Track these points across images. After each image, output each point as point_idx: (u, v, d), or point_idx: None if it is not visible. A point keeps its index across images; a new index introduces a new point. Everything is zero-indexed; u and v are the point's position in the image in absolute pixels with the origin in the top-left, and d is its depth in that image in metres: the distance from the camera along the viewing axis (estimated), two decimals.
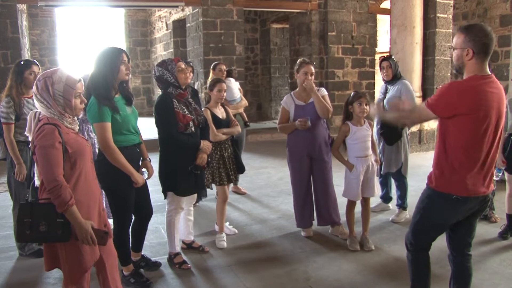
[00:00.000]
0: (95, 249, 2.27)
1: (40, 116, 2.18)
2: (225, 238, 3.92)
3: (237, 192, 5.53)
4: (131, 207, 3.05)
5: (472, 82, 2.24)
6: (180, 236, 3.69)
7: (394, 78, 4.39)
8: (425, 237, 2.56)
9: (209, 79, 5.19)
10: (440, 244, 3.77)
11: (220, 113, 3.91)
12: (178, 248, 3.51)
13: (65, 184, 2.08)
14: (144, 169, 3.15)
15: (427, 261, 2.62)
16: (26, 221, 2.12)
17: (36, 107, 2.19)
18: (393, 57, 4.67)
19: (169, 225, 3.46)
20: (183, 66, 3.33)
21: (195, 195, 3.70)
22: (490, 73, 2.29)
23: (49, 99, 2.13)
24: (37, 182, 2.28)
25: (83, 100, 2.26)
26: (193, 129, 3.26)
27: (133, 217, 3.18)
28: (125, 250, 3.11)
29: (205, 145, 3.35)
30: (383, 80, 4.53)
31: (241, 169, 3.99)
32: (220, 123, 3.83)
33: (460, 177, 2.30)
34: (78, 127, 2.31)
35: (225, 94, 3.92)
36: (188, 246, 3.76)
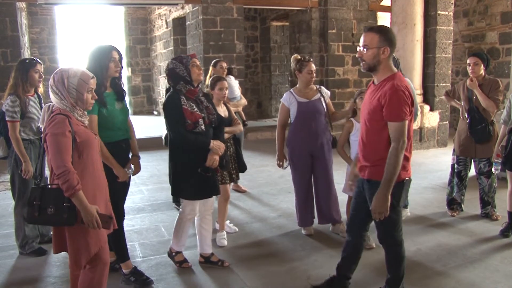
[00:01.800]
0: (100, 234, 2.36)
1: (53, 108, 2.31)
2: (225, 236, 3.92)
3: (238, 190, 5.52)
4: (120, 199, 3.06)
5: (404, 80, 2.53)
6: (198, 249, 3.52)
7: None
8: (398, 227, 2.68)
9: (208, 76, 5.19)
10: (440, 242, 3.80)
11: (222, 111, 3.88)
12: (182, 248, 3.42)
13: (73, 170, 2.19)
14: (132, 165, 3.13)
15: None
16: (36, 204, 2.24)
17: (51, 99, 2.32)
18: (393, 54, 4.64)
19: (179, 225, 3.31)
20: (198, 62, 3.26)
21: (213, 199, 3.46)
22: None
23: (63, 91, 2.28)
24: (47, 172, 2.35)
25: (94, 96, 2.40)
26: (203, 127, 3.10)
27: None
28: (121, 244, 3.11)
29: (216, 145, 3.14)
30: None
31: (243, 167, 3.98)
32: (222, 122, 3.81)
33: (405, 163, 2.56)
34: (87, 121, 2.42)
35: (227, 92, 3.90)
36: (206, 260, 3.42)
